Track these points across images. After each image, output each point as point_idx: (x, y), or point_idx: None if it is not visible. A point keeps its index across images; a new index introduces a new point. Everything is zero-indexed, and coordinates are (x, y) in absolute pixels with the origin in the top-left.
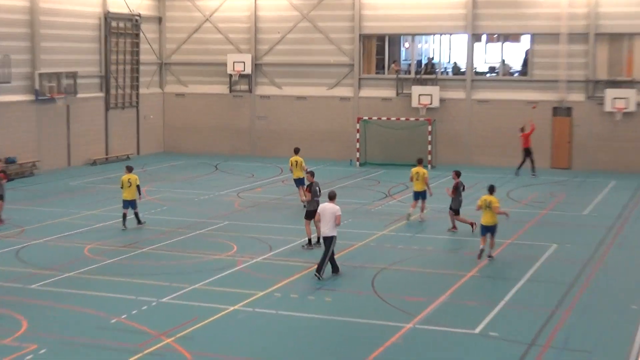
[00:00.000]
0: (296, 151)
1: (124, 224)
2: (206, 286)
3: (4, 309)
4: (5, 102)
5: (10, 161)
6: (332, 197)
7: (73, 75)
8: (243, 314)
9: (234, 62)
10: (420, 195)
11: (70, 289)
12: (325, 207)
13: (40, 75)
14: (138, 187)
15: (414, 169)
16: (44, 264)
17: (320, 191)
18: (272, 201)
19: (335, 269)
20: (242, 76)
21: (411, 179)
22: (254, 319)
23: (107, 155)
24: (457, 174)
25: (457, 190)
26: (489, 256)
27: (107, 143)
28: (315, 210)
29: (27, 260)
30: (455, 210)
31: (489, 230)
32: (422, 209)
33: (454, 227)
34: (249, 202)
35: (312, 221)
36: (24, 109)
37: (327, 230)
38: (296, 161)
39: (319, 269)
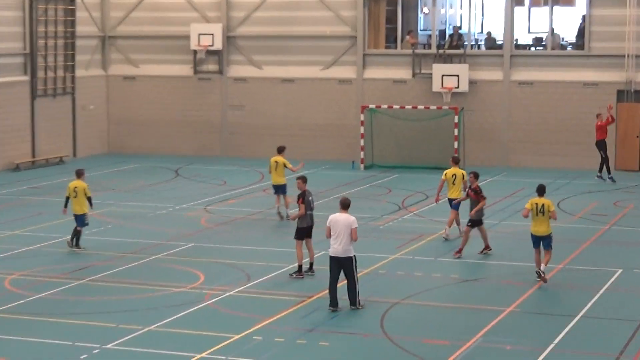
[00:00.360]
0: (279, 150)
1: (75, 244)
2: (164, 328)
3: None
4: None
5: None
6: (346, 206)
7: None
8: None
9: (199, 35)
10: (456, 205)
11: None
12: (338, 219)
13: None
14: (89, 198)
15: (450, 171)
16: None
17: (313, 202)
18: (250, 216)
19: (335, 303)
20: (210, 53)
21: (442, 184)
22: None
23: (33, 157)
24: (476, 176)
25: (479, 195)
26: (541, 275)
27: (33, 142)
28: (308, 228)
29: None
30: (475, 223)
31: (542, 241)
32: (458, 222)
33: (487, 246)
34: (220, 218)
35: (304, 242)
36: None
37: (341, 248)
38: (276, 162)
39: (355, 301)
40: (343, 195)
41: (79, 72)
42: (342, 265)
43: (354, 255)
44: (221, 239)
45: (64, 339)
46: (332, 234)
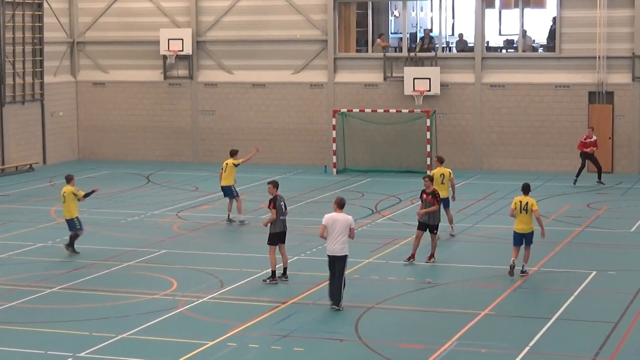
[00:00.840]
0: (232, 154)
1: (69, 247)
2: (138, 335)
3: None
4: None
5: None
6: (342, 205)
7: None
8: None
9: (168, 40)
10: (446, 203)
11: None
12: (335, 219)
13: None
14: (86, 195)
15: (437, 170)
16: None
17: (286, 207)
18: (222, 222)
19: (336, 298)
20: (180, 58)
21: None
22: None
23: (3, 165)
24: (431, 179)
25: (436, 198)
26: (523, 272)
27: (2, 149)
28: (281, 233)
29: None
30: (432, 228)
31: (524, 238)
32: (451, 221)
33: (432, 255)
34: (193, 225)
35: (277, 248)
36: None
37: (338, 247)
38: (226, 164)
39: (337, 299)
40: (338, 195)
41: (48, 79)
42: (336, 263)
43: (347, 255)
44: (194, 245)
45: (36, 348)
46: (329, 232)
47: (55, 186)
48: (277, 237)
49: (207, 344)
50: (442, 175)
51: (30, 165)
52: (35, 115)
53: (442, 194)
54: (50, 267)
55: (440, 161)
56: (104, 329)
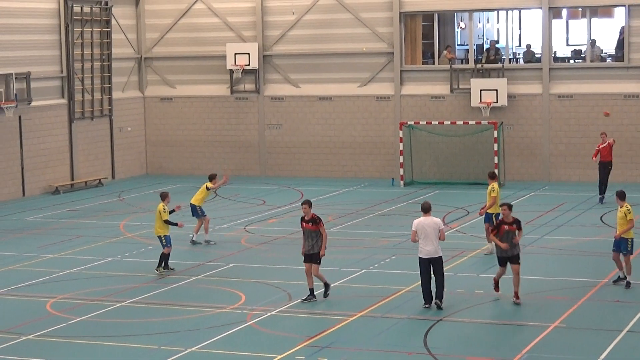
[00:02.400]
0: (210, 178)
1: (162, 267)
2: (207, 349)
3: None
4: None
5: None
6: (427, 210)
7: (26, 77)
8: None
9: (235, 54)
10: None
11: (28, 356)
12: (424, 223)
13: None
14: (167, 221)
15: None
16: None
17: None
18: (290, 235)
19: (430, 299)
20: (246, 72)
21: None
22: None
23: (72, 180)
24: (511, 207)
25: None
26: (626, 281)
27: (72, 165)
28: (314, 255)
29: None
30: (515, 258)
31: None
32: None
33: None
34: (260, 238)
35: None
36: None
37: (433, 249)
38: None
39: (442, 296)
40: (424, 201)
41: (116, 94)
42: (433, 264)
43: (442, 255)
44: (261, 258)
45: None
46: (421, 236)
47: (124, 201)
48: (309, 257)
49: (276, 357)
50: (494, 189)
51: (100, 180)
52: (104, 131)
53: (493, 210)
54: (120, 281)
55: (491, 177)
56: (173, 342)
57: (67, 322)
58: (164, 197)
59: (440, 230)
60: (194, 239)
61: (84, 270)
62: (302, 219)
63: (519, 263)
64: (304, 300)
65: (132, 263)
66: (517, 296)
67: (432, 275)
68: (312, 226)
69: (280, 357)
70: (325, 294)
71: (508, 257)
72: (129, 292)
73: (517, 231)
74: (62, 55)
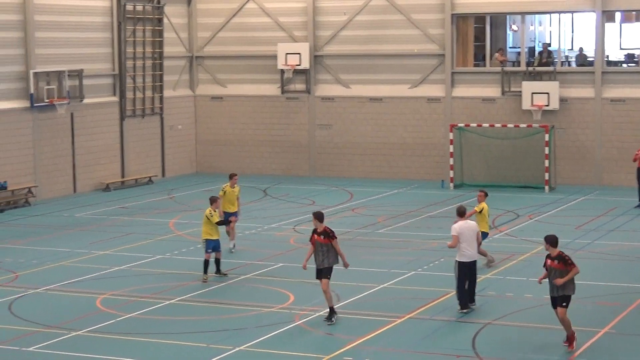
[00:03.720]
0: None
1: (215, 271)
2: (255, 348)
3: None
4: None
5: None
6: (463, 213)
7: (78, 75)
8: None
9: (286, 54)
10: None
11: (78, 351)
12: (464, 227)
13: (36, 75)
14: (218, 222)
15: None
16: (44, 320)
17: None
18: (340, 236)
19: (467, 304)
20: (297, 72)
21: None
22: None
23: (123, 177)
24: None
25: (571, 261)
26: None
27: (123, 162)
28: (325, 269)
29: (23, 316)
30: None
31: None
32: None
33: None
34: (309, 238)
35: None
36: (15, 120)
37: (474, 253)
38: (224, 191)
39: (472, 299)
40: (460, 205)
41: (167, 93)
42: (471, 269)
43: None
44: (310, 259)
45: (156, 359)
46: (463, 240)
47: (174, 199)
48: (325, 271)
49: (324, 357)
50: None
51: (150, 178)
52: (155, 129)
53: (483, 228)
54: (169, 279)
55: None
56: (222, 341)
57: (117, 318)
58: (212, 201)
59: (477, 233)
60: (232, 247)
61: (133, 267)
62: (314, 231)
63: (563, 306)
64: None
65: (181, 261)
66: (571, 342)
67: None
68: (324, 239)
69: (327, 357)
70: (329, 319)
71: (556, 297)
72: (178, 289)
73: (562, 270)
74: (114, 53)
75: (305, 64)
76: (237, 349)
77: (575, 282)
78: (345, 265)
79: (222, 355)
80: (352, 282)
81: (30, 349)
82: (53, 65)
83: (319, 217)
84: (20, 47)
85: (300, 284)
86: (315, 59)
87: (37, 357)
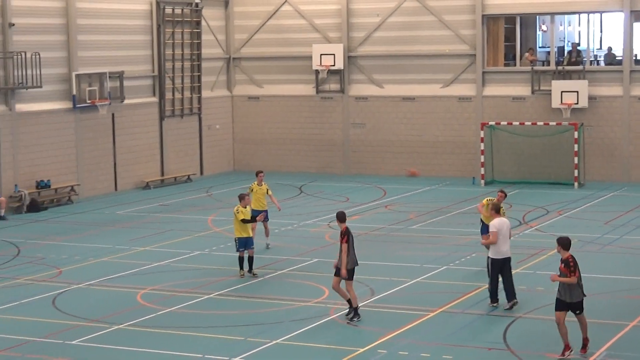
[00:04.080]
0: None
1: (247, 270)
2: (290, 341)
3: None
4: (36, 112)
5: (42, 185)
6: (499, 210)
7: (119, 76)
8: None
9: (321, 55)
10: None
11: (120, 345)
12: (502, 223)
13: (78, 76)
14: (244, 220)
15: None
16: (86, 314)
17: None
18: (373, 232)
19: (497, 299)
20: (331, 72)
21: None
22: None
23: (162, 176)
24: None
25: (574, 269)
26: None
27: (162, 161)
28: (353, 269)
29: (66, 310)
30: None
31: None
32: None
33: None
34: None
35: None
36: (58, 120)
37: (508, 249)
38: (251, 189)
39: (514, 294)
40: (492, 202)
41: (205, 93)
42: (505, 265)
43: None
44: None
45: (194, 352)
46: (499, 238)
47: (212, 196)
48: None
49: (358, 350)
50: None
51: (188, 176)
52: (193, 128)
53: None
54: (207, 274)
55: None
56: (259, 334)
57: (157, 312)
58: (241, 198)
59: (510, 230)
60: (267, 245)
61: (173, 263)
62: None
63: (577, 314)
64: (347, 315)
65: (219, 257)
66: (585, 347)
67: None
68: (340, 240)
69: (362, 350)
70: (349, 316)
71: (568, 303)
72: (216, 284)
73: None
74: (153, 55)
75: (340, 65)
76: (274, 342)
77: (604, 276)
78: (342, 274)
79: (259, 349)
80: (386, 277)
81: (74, 342)
82: (95, 67)
83: (340, 218)
84: (64, 50)
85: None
86: (349, 59)
87: (80, 351)
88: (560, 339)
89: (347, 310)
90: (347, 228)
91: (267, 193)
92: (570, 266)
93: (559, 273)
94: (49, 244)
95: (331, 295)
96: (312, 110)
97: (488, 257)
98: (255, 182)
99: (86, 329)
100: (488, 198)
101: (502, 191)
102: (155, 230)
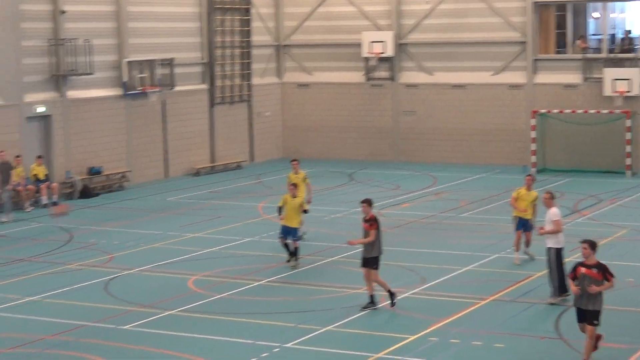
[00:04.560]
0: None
1: (289, 255)
2: (341, 328)
3: (91, 354)
4: (87, 99)
5: (94, 172)
6: (553, 197)
7: (169, 63)
8: None
9: (371, 42)
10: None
11: (171, 330)
12: (558, 213)
13: (129, 64)
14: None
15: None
16: (138, 300)
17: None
18: (423, 220)
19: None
20: (381, 60)
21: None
22: None
23: (212, 163)
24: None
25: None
26: None
27: (212, 148)
28: (371, 259)
29: (118, 295)
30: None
31: None
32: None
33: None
34: (394, 221)
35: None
36: (109, 107)
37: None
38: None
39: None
40: (547, 190)
41: (255, 80)
42: (563, 255)
43: None
44: (396, 241)
45: (245, 338)
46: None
47: (262, 183)
48: (371, 261)
49: (408, 338)
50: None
51: (238, 163)
52: (243, 116)
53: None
54: (258, 260)
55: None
56: (310, 321)
57: (208, 298)
58: (293, 187)
59: None
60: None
61: (223, 250)
62: (363, 219)
63: (594, 324)
64: (363, 308)
65: (269, 244)
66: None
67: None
68: (368, 226)
69: (412, 338)
70: (392, 304)
71: (583, 311)
72: (267, 271)
73: (599, 280)
74: (203, 43)
75: (390, 52)
76: (324, 329)
77: None
78: (352, 241)
79: (310, 335)
80: (437, 265)
81: (126, 327)
82: (145, 55)
83: (369, 203)
84: (114, 37)
85: (385, 267)
86: (400, 47)
87: (132, 336)
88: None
89: (389, 298)
90: (375, 215)
91: (305, 181)
92: (606, 270)
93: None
94: (101, 230)
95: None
96: (361, 98)
97: (549, 247)
98: (292, 172)
99: (138, 315)
100: (519, 189)
101: (530, 175)
102: (205, 217)
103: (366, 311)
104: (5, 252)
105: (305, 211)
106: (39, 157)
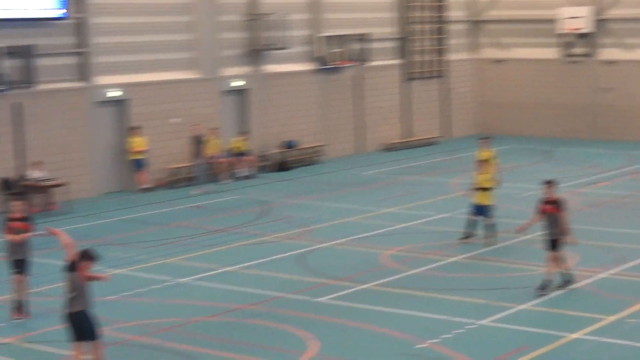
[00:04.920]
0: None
1: (468, 232)
2: (537, 307)
3: (287, 325)
4: (282, 73)
5: (290, 146)
6: None
7: (363, 39)
8: (586, 345)
9: (568, 18)
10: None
11: (365, 304)
12: None
13: (324, 38)
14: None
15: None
16: (333, 273)
17: None
18: (623, 199)
19: None
20: (579, 36)
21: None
22: (599, 351)
23: (405, 138)
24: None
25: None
26: None
27: (404, 123)
28: (554, 241)
29: (314, 268)
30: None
31: None
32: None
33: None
34: (592, 200)
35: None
36: (304, 81)
37: None
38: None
39: None
40: None
41: (450, 56)
42: None
43: None
44: (594, 221)
45: (440, 314)
46: None
47: (457, 159)
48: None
49: (606, 319)
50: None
51: (432, 138)
52: (437, 91)
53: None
54: (452, 236)
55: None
56: (502, 299)
57: (402, 273)
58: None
59: None
60: None
61: (417, 225)
62: (542, 201)
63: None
64: (557, 287)
65: (464, 220)
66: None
67: None
68: (552, 209)
69: (610, 319)
70: (564, 286)
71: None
72: (460, 247)
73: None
74: (397, 18)
75: (588, 28)
76: (519, 307)
77: None
78: (569, 240)
79: (504, 313)
80: (635, 245)
81: (320, 299)
82: (339, 29)
83: (551, 184)
84: (310, 12)
85: (584, 246)
86: (599, 22)
87: (326, 308)
88: None
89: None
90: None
91: (493, 160)
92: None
93: None
94: (296, 203)
95: (581, 261)
96: (558, 74)
97: None
98: (482, 149)
99: (332, 287)
100: None
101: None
102: (399, 192)
103: (561, 290)
104: (204, 223)
105: (488, 188)
106: (243, 132)
